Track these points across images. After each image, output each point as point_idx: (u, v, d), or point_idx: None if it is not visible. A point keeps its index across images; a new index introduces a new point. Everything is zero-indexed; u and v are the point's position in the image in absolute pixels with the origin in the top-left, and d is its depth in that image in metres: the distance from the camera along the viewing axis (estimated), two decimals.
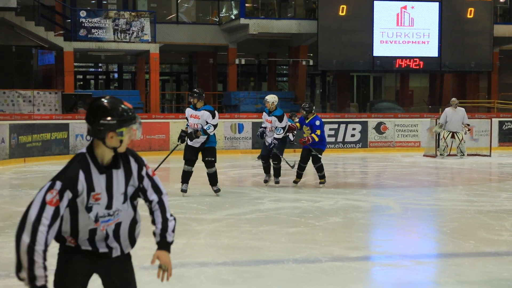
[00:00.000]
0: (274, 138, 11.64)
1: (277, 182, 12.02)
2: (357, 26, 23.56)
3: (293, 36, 24.63)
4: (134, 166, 3.36)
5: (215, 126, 10.36)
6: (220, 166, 14.12)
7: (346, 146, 20.90)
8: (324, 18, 23.36)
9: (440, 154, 18.22)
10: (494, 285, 5.69)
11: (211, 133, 10.36)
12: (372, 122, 21.26)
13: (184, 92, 28.22)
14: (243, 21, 23.13)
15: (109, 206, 3.26)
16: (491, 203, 10.04)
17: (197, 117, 10.40)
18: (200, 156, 10.62)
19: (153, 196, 3.40)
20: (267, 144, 11.87)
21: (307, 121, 11.66)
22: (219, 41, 25.05)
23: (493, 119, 21.16)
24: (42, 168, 15.06)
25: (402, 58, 24.02)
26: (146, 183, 3.39)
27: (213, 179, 10.64)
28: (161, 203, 3.41)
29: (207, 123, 10.31)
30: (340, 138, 20.90)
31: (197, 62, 27.83)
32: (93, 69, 31.38)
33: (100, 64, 30.18)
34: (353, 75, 28.97)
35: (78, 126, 17.84)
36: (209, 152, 10.48)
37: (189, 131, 10.46)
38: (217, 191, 10.69)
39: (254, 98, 24.23)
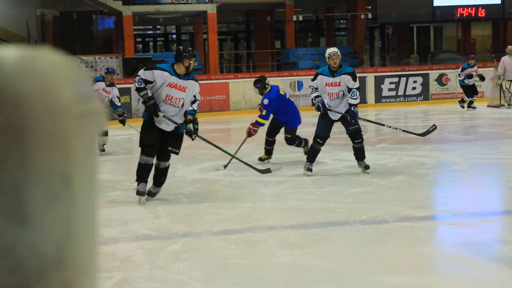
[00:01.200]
0: (351, 104, 8.52)
1: (366, 167, 8.81)
2: None
3: None
4: None
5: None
6: None
7: (407, 99, 20.63)
8: None
9: (508, 105, 17.84)
10: None
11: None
12: (433, 74, 20.91)
13: (242, 52, 28.20)
14: None
15: None
16: None
17: (183, 89, 7.28)
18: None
19: None
20: (333, 118, 8.75)
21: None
22: None
23: None
24: None
25: (463, 6, 23.43)
26: None
27: (163, 177, 7.42)
28: None
29: (195, 99, 7.36)
30: (401, 92, 20.63)
31: (254, 21, 27.72)
32: (151, 32, 31.62)
33: (158, 27, 30.36)
34: (413, 26, 28.44)
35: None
36: (178, 139, 7.37)
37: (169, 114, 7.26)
38: (150, 194, 7.37)
39: (313, 54, 24.06)
